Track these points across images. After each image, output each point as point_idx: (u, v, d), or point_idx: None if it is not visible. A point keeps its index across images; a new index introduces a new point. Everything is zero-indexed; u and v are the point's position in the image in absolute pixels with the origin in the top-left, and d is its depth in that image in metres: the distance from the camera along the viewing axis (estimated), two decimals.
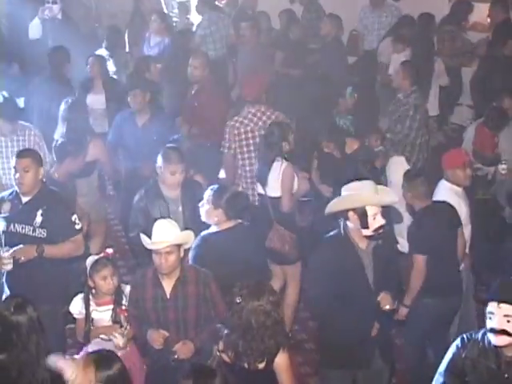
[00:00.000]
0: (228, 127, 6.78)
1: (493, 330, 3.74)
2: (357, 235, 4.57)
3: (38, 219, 5.19)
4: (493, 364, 3.81)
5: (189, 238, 4.83)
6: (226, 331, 4.28)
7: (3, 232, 5.25)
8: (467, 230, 5.78)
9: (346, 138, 6.78)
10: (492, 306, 3.75)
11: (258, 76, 7.17)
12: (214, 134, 7.28)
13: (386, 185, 6.53)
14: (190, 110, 7.72)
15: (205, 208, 5.30)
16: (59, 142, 6.39)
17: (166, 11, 11.43)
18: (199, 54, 8.22)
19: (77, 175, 6.47)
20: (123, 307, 4.89)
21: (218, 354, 4.30)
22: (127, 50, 10.16)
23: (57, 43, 8.61)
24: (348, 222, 4.57)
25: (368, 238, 4.57)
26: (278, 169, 6.08)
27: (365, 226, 4.52)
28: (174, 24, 11.30)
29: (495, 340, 3.74)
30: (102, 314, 4.92)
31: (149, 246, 4.68)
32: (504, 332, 3.71)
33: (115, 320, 4.88)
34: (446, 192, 5.75)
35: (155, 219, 4.88)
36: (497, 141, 7.20)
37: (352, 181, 4.71)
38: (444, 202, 5.60)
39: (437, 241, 5.38)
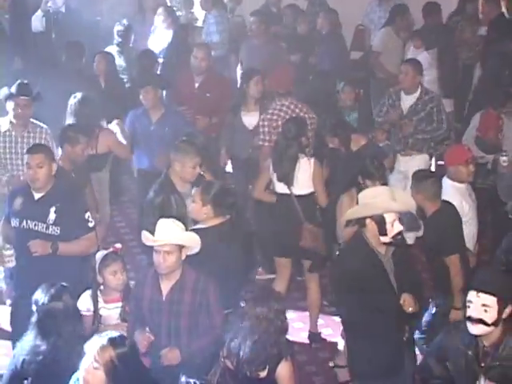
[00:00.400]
0: (266, 120, 6.84)
1: (470, 319, 3.79)
2: (375, 241, 4.52)
3: (52, 216, 5.15)
4: (471, 352, 3.85)
5: (192, 241, 4.66)
6: (228, 336, 4.17)
7: (15, 228, 5.23)
8: (472, 227, 5.75)
9: (352, 134, 6.68)
10: (471, 295, 3.80)
11: (286, 68, 7.21)
12: (220, 125, 7.31)
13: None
14: (198, 101, 7.67)
15: (193, 204, 5.21)
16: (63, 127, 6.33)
17: (169, 5, 11.35)
18: (202, 45, 8.22)
19: (88, 168, 6.44)
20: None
21: (222, 360, 4.18)
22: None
23: (60, 36, 8.52)
24: (366, 229, 4.53)
25: (387, 244, 4.53)
26: (308, 165, 6.05)
27: (383, 233, 4.47)
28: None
29: (472, 328, 3.79)
30: (111, 312, 4.86)
31: (147, 243, 4.60)
32: (480, 321, 3.76)
33: (124, 318, 4.82)
34: (449, 191, 5.70)
35: (170, 215, 4.82)
36: (501, 124, 7.11)
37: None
38: (448, 202, 5.57)
39: (450, 241, 5.37)
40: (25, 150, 5.93)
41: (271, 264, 6.53)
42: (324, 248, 6.08)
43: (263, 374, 4.10)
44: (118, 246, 4.95)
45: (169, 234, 4.53)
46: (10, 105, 6.30)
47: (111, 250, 4.89)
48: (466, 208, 5.69)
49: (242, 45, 9.50)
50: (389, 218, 4.45)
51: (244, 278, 5.15)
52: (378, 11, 10.13)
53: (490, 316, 3.76)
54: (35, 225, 5.17)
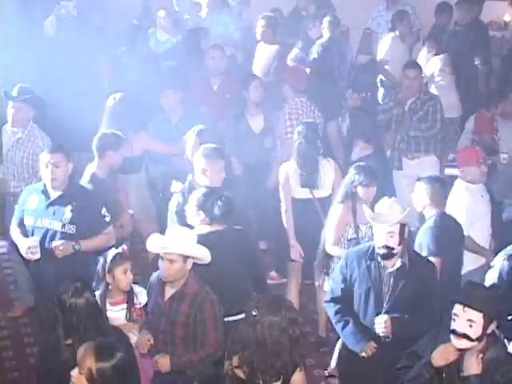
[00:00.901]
0: (291, 114, 7.07)
1: (454, 332, 3.79)
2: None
3: (68, 215, 5.25)
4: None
5: (198, 253, 4.59)
6: (239, 345, 4.06)
7: (29, 226, 5.33)
8: (486, 227, 5.81)
9: (357, 141, 6.65)
10: (457, 309, 3.79)
11: (297, 66, 7.36)
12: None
13: None
14: (218, 103, 7.71)
15: (189, 209, 5.21)
16: (98, 134, 6.26)
17: (176, 8, 11.39)
18: (217, 46, 8.22)
19: (124, 171, 6.49)
20: (137, 306, 4.90)
21: (229, 369, 4.08)
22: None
23: (71, 41, 8.57)
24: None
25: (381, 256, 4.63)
26: (329, 166, 6.13)
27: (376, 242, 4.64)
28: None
29: (456, 342, 3.79)
30: (117, 314, 4.88)
31: (148, 248, 4.64)
32: (465, 336, 3.76)
33: (130, 319, 4.88)
34: (461, 192, 5.76)
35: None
36: (496, 125, 7.16)
37: None
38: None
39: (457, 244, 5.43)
40: (19, 153, 6.19)
41: (284, 268, 6.54)
42: None
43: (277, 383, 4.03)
44: (125, 247, 4.98)
45: (174, 243, 4.51)
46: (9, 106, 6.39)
47: (120, 250, 4.92)
48: (479, 209, 5.72)
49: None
50: (376, 227, 4.62)
51: (243, 287, 5.08)
52: (385, 15, 10.09)
53: (475, 331, 3.76)
54: (50, 223, 5.26)
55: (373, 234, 4.78)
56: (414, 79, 7.27)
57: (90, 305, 4.15)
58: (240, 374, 4.00)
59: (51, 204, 5.29)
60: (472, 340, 3.76)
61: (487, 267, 5.60)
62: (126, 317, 4.88)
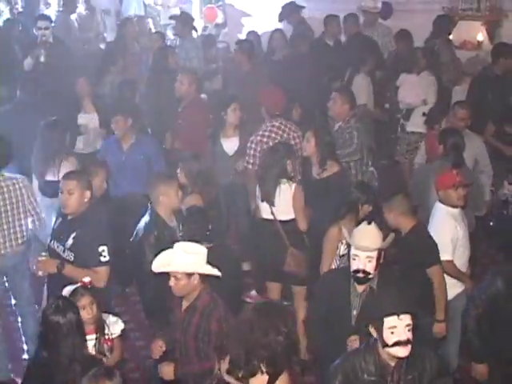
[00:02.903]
0: (253, 143, 6.92)
1: (399, 344, 3.79)
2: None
3: (70, 242, 5.34)
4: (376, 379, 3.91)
5: (203, 269, 4.64)
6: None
7: (47, 245, 5.54)
8: (466, 251, 5.81)
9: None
10: (392, 321, 3.80)
11: (276, 90, 7.27)
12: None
13: None
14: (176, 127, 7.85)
15: None
16: None
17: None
18: (186, 70, 8.29)
19: (50, 195, 6.53)
20: (107, 337, 4.84)
21: (218, 373, 4.09)
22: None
23: (48, 66, 8.62)
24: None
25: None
26: (288, 190, 6.12)
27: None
28: None
29: (403, 352, 3.81)
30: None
31: (153, 268, 4.67)
32: (408, 341, 3.80)
33: (99, 350, 4.78)
34: (442, 216, 5.76)
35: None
36: None
37: None
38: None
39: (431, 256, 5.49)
40: None
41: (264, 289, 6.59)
42: (308, 274, 6.06)
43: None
44: (87, 280, 4.87)
45: (176, 261, 4.60)
46: None
47: (79, 284, 4.82)
48: (460, 233, 5.72)
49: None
50: (354, 252, 4.67)
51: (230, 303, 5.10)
52: None
53: (411, 334, 3.82)
54: (57, 246, 5.40)
55: None
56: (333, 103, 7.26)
57: (71, 325, 4.17)
58: (230, 379, 3.95)
59: (62, 227, 5.43)
60: (411, 343, 3.83)
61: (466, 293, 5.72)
62: (96, 347, 4.77)
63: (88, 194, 5.37)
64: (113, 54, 9.30)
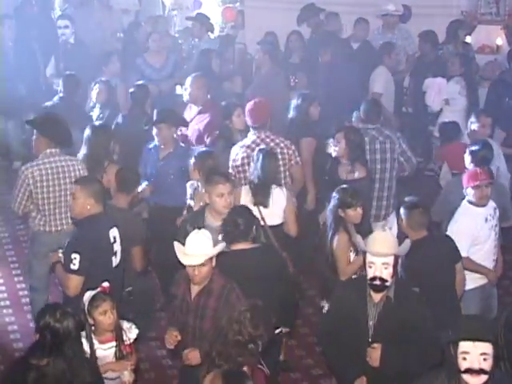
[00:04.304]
0: (235, 155, 6.80)
1: (470, 371, 3.64)
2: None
3: (65, 244, 5.47)
4: None
5: (220, 247, 4.87)
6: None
7: None
8: (484, 250, 5.87)
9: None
10: (466, 346, 3.64)
11: (263, 102, 7.09)
12: None
13: None
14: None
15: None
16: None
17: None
18: (199, 75, 8.07)
19: None
20: (126, 342, 4.85)
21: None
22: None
23: (68, 67, 8.66)
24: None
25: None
26: (281, 195, 6.12)
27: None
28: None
29: (473, 381, 3.65)
30: (107, 352, 4.80)
31: (185, 262, 4.71)
32: (481, 371, 3.63)
33: (120, 356, 4.80)
34: (463, 212, 5.83)
35: None
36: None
37: None
38: (443, 235, 5.75)
39: (429, 275, 5.38)
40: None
41: None
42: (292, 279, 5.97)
43: None
44: (106, 285, 4.87)
45: (203, 248, 4.70)
46: None
47: (99, 289, 4.83)
48: (479, 234, 5.80)
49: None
50: (370, 259, 4.61)
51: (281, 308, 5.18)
52: (381, 39, 10.12)
53: (489, 364, 3.65)
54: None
55: None
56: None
57: (70, 333, 4.15)
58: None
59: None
60: (488, 373, 3.64)
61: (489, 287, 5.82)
62: (116, 355, 4.80)
63: (91, 201, 5.37)
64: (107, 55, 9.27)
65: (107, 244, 5.44)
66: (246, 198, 6.12)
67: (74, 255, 5.25)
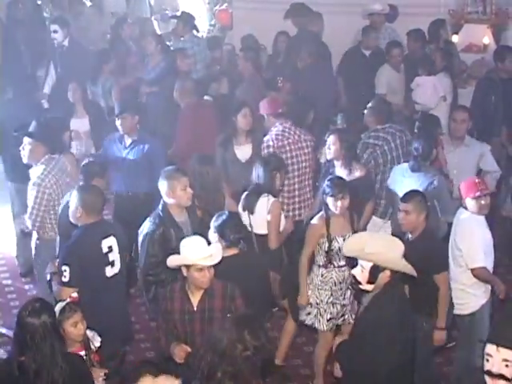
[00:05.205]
0: (270, 141, 6.97)
1: (489, 373, 3.62)
2: None
3: None
4: None
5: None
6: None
7: None
8: (488, 259, 5.79)
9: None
10: (491, 349, 3.62)
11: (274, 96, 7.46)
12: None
13: None
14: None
15: (209, 232, 5.40)
16: (85, 162, 6.53)
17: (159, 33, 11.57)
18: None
19: None
20: (93, 351, 4.85)
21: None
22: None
23: (64, 70, 8.72)
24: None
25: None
26: (265, 205, 6.13)
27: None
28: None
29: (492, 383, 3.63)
30: None
31: (208, 263, 4.71)
32: (501, 376, 3.59)
33: (90, 365, 4.74)
34: (470, 223, 5.75)
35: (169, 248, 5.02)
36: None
37: None
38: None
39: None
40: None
41: None
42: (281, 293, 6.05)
43: None
44: (75, 295, 4.87)
45: (216, 248, 4.82)
46: None
47: (69, 300, 4.81)
48: (487, 239, 5.75)
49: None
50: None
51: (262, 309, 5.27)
52: None
53: (511, 371, 3.59)
54: None
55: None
56: None
57: (46, 327, 4.16)
58: None
59: None
60: (509, 380, 3.59)
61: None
62: (87, 364, 4.73)
63: (81, 210, 5.38)
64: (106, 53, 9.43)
65: (98, 254, 5.39)
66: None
67: (64, 267, 5.28)
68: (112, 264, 5.45)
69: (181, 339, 4.84)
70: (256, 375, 4.05)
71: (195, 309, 4.81)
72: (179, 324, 4.86)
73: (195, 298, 4.82)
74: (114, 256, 5.46)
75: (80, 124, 8.21)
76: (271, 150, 6.93)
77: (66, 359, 4.22)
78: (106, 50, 9.76)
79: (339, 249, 5.70)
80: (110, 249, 5.43)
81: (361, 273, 4.52)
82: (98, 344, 4.89)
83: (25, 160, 6.52)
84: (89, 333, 4.87)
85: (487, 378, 3.62)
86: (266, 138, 7.07)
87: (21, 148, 6.50)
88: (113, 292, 5.36)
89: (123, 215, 6.95)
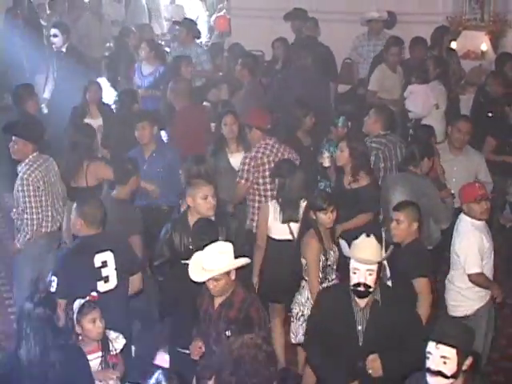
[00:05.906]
0: (249, 158, 6.83)
1: (429, 371, 3.72)
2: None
3: None
4: None
5: (239, 263, 4.78)
6: (216, 369, 4.10)
7: None
8: (490, 263, 5.79)
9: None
10: (430, 346, 3.72)
11: (261, 109, 7.28)
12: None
13: None
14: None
15: None
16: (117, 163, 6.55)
17: (157, 40, 11.59)
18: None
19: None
20: (112, 353, 4.82)
21: None
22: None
23: (60, 76, 8.79)
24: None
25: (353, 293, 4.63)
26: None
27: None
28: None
29: (431, 380, 3.73)
30: (92, 363, 4.67)
31: (194, 279, 4.74)
32: (439, 373, 3.69)
33: (104, 367, 4.75)
34: (468, 229, 5.72)
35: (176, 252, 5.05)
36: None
37: None
38: None
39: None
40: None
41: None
42: None
43: None
44: (94, 294, 4.86)
45: (217, 265, 4.67)
46: None
47: (88, 298, 4.80)
48: (486, 245, 5.71)
49: None
50: (354, 265, 4.58)
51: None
52: (367, 45, 10.21)
53: (449, 368, 3.69)
54: None
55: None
56: None
57: (40, 320, 4.16)
58: None
59: None
60: (447, 377, 3.69)
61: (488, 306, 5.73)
62: (102, 365, 4.75)
63: (81, 221, 5.31)
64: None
65: (89, 269, 5.22)
66: (274, 213, 6.11)
67: (52, 277, 5.23)
68: (106, 279, 5.28)
69: (202, 336, 4.90)
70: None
71: (214, 311, 4.83)
72: (202, 321, 4.93)
73: (216, 302, 4.84)
74: (109, 272, 5.29)
75: (93, 124, 8.03)
76: (246, 167, 6.81)
77: (62, 352, 4.21)
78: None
79: (333, 262, 5.70)
80: (105, 264, 5.26)
81: (370, 276, 4.53)
82: (120, 346, 4.86)
83: (14, 156, 6.56)
84: (112, 334, 4.86)
85: (428, 376, 3.72)
86: (244, 155, 6.95)
87: (10, 146, 6.53)
88: (107, 308, 4.93)
89: (147, 228, 6.60)
